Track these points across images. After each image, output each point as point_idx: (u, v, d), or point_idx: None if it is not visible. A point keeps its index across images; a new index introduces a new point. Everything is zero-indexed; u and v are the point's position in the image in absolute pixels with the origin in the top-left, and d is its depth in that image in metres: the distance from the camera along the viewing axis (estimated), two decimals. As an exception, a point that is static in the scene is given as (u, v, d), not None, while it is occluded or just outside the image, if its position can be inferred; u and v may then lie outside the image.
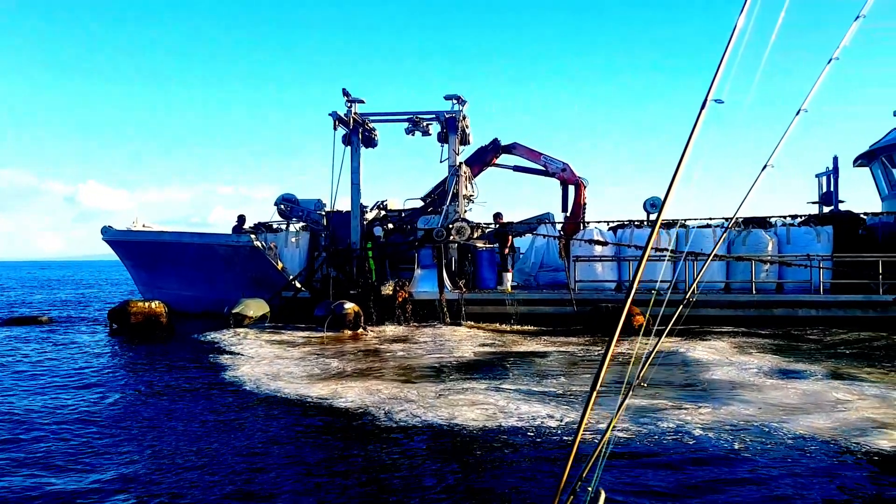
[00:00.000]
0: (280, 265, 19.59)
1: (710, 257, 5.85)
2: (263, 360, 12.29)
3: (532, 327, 16.93)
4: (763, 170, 4.84)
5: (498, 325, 17.35)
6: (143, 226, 22.03)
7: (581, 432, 3.26)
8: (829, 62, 4.96)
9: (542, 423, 7.54)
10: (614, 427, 3.36)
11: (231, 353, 13.09)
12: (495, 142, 20.55)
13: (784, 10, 4.20)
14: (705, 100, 3.70)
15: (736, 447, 6.62)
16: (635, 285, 3.49)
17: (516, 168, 20.82)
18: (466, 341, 14.71)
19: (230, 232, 21.01)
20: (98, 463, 6.49)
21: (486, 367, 11.54)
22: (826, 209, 21.23)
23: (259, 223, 21.47)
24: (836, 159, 21.45)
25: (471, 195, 20.17)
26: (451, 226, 18.49)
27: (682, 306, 4.56)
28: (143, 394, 9.84)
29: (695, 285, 7.01)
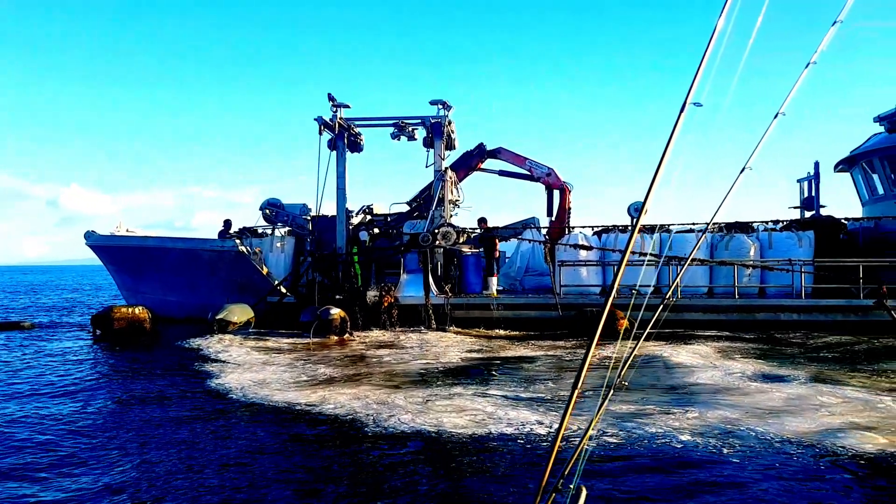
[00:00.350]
0: (265, 270, 19.52)
1: (688, 261, 5.92)
2: (249, 366, 12.24)
3: (518, 332, 16.98)
4: (741, 172, 4.92)
5: (484, 329, 17.39)
6: (127, 230, 21.87)
7: (562, 431, 3.30)
8: (806, 66, 5.05)
9: (531, 429, 7.57)
10: (595, 426, 3.42)
11: (216, 360, 13.02)
12: (481, 146, 20.63)
13: (762, 15, 4.27)
14: (684, 103, 3.75)
15: (724, 451, 6.68)
16: (615, 289, 3.54)
17: (502, 173, 20.90)
18: (453, 346, 14.73)
19: (216, 236, 20.93)
20: (83, 472, 6.44)
21: (474, 373, 11.56)
22: (807, 214, 21.49)
23: (244, 228, 21.40)
24: (817, 164, 21.73)
25: (456, 200, 20.22)
26: (436, 230, 18.52)
27: (661, 307, 4.62)
28: (129, 401, 9.78)
29: (673, 287, 7.12)
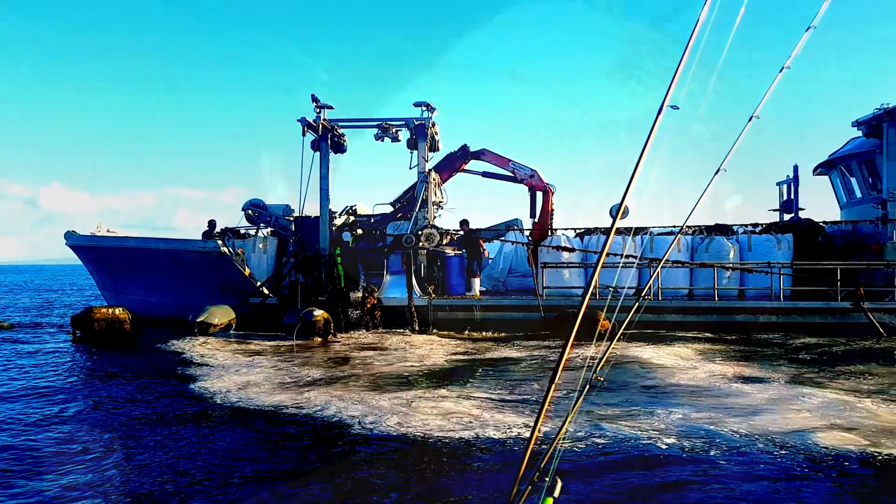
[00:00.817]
0: (247, 271, 19.44)
1: (663, 261, 6.02)
2: (232, 369, 12.19)
3: (501, 333, 17.04)
4: (716, 174, 5.01)
5: (468, 331, 17.44)
6: (108, 231, 21.70)
7: (538, 426, 3.35)
8: (780, 70, 5.15)
9: (518, 432, 7.60)
10: (571, 421, 3.47)
11: (198, 363, 12.94)
12: (464, 148, 20.67)
13: (738, 20, 4.35)
14: (661, 105, 3.81)
15: (709, 452, 6.76)
16: (590, 289, 3.59)
17: (485, 174, 20.95)
18: (437, 348, 14.76)
19: (200, 237, 20.82)
20: (61, 473, 6.39)
21: (458, 374, 11.59)
22: (787, 217, 21.74)
23: (226, 228, 21.29)
24: (796, 168, 22.00)
25: (440, 201, 20.25)
26: (420, 232, 18.56)
27: (636, 304, 4.70)
28: (109, 404, 9.70)
29: (647, 287, 7.22)
